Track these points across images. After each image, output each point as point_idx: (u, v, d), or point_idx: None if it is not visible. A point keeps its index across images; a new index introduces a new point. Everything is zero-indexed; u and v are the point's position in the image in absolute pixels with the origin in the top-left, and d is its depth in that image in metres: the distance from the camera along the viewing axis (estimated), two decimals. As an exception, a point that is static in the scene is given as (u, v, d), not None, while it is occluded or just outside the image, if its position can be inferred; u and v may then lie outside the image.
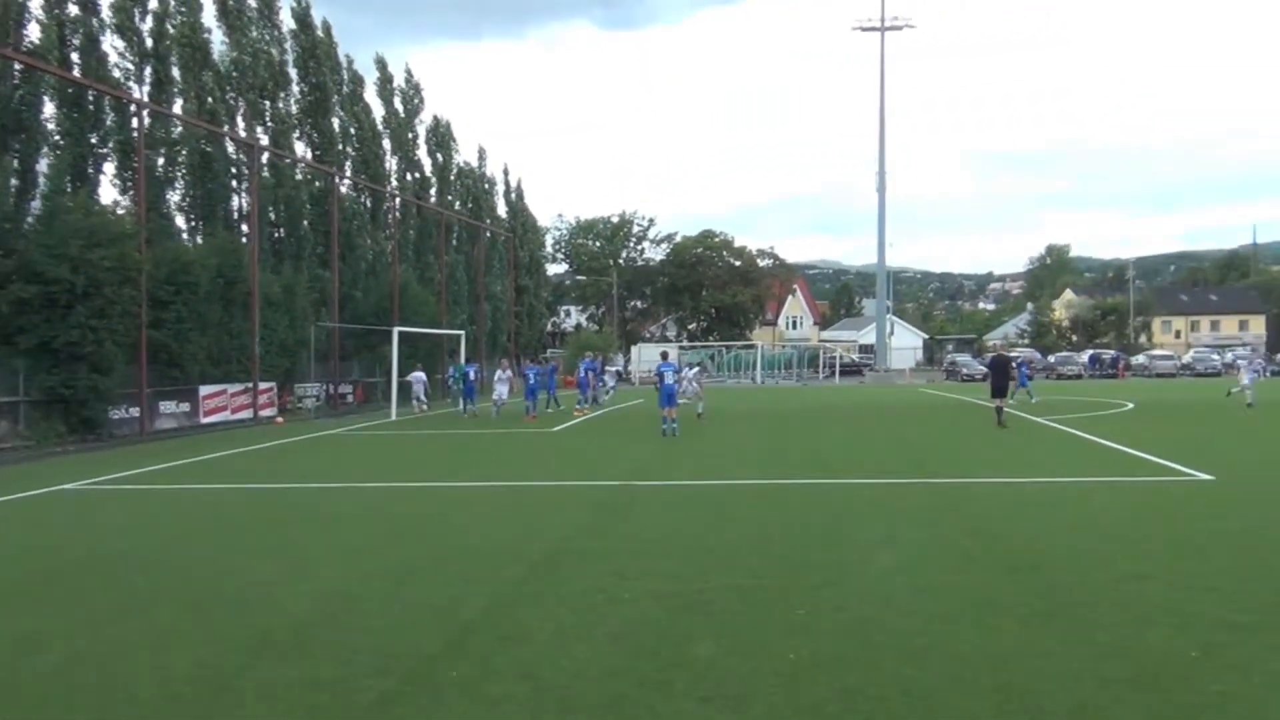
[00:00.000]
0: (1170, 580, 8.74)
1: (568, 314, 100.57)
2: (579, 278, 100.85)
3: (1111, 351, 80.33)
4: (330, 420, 34.88)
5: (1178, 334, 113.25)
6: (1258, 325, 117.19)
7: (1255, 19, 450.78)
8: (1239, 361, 34.00)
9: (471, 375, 37.14)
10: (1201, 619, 7.43)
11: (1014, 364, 30.50)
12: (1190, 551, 10.03)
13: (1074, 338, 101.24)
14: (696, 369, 36.88)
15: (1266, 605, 7.85)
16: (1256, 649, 6.71)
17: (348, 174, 47.32)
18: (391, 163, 53.30)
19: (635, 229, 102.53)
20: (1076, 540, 10.69)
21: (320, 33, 46.43)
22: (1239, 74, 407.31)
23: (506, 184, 70.79)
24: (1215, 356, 75.26)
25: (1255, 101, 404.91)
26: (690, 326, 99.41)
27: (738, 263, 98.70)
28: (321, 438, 27.16)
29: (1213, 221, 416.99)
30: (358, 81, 49.58)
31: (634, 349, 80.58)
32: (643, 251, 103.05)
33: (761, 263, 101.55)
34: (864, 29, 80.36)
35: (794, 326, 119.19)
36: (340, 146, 47.56)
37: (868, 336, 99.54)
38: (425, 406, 37.83)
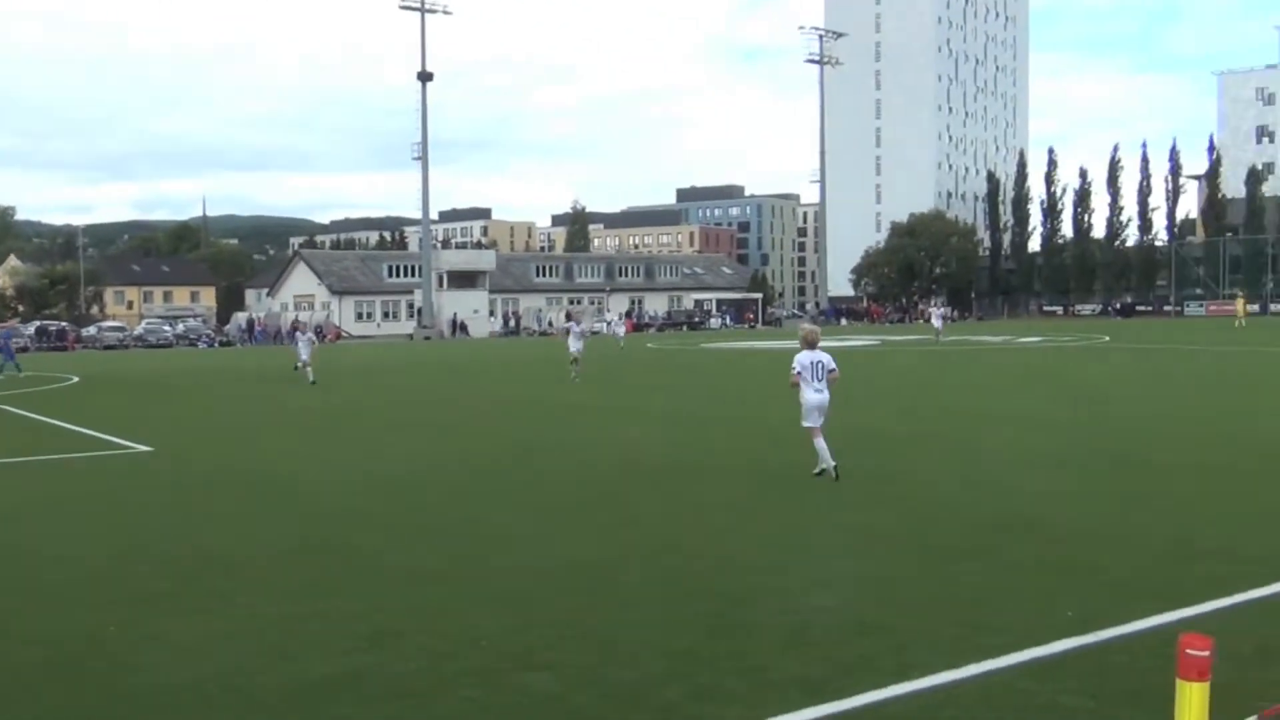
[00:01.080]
0: (99, 562, 8.77)
1: None
2: None
3: (61, 323, 77.99)
4: None
5: (130, 304, 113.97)
6: (209, 297, 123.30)
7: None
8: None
9: None
10: (122, 596, 7.56)
11: None
12: (121, 525, 10.16)
13: (21, 308, 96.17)
14: None
15: (184, 574, 8.20)
16: (168, 617, 7.00)
17: None
18: None
19: None
20: None
21: None
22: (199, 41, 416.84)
23: None
24: (167, 328, 77.09)
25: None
26: None
27: None
28: None
29: (165, 191, 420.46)
30: None
31: None
32: None
33: None
34: None
35: None
36: None
37: None
38: None
